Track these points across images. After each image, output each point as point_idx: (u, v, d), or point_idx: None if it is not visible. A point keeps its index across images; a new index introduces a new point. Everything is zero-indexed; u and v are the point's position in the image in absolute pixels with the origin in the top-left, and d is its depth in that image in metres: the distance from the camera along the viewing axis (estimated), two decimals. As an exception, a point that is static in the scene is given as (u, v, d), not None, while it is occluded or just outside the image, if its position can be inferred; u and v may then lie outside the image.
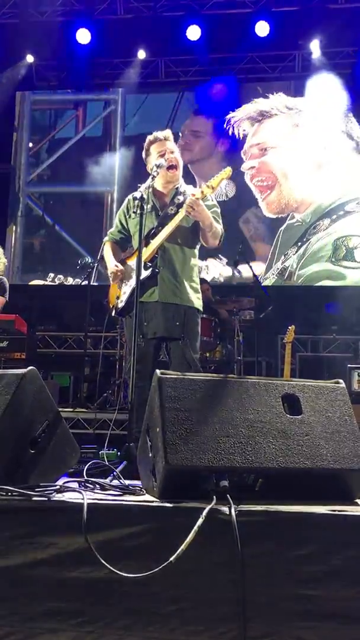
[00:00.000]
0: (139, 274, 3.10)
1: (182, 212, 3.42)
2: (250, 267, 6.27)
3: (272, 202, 7.81)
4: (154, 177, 3.38)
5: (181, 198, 3.58)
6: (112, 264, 3.71)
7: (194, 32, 7.54)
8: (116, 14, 7.68)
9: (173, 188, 3.68)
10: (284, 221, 7.80)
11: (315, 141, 7.81)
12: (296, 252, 7.68)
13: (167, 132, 3.70)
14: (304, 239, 7.68)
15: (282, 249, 7.74)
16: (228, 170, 3.50)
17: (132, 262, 3.64)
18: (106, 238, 3.94)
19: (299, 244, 7.69)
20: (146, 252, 3.45)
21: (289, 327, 5.84)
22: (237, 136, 7.93)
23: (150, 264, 3.46)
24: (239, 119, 7.94)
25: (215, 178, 3.47)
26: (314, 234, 7.65)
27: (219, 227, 3.59)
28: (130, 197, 3.74)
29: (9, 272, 7.82)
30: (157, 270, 3.46)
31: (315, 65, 7.81)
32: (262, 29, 7.41)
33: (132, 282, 3.56)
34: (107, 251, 3.85)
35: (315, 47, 7.70)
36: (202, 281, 5.59)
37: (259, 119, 7.95)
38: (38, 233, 8.53)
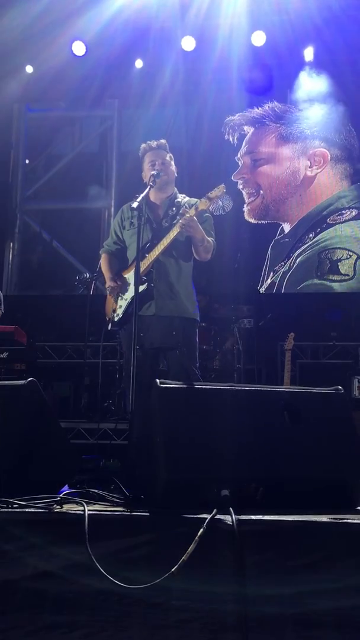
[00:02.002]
0: (137, 285, 3.11)
1: (177, 228, 3.45)
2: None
3: (254, 208, 7.85)
4: (150, 186, 3.41)
5: (175, 210, 3.61)
6: (109, 278, 3.74)
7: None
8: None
9: (166, 199, 3.70)
10: (273, 234, 7.83)
11: (302, 153, 7.87)
12: (283, 267, 7.71)
13: (161, 141, 3.73)
14: (291, 254, 7.71)
15: (271, 266, 7.77)
16: (221, 187, 3.52)
17: (127, 276, 3.67)
18: (102, 249, 3.96)
19: (286, 259, 7.71)
20: (141, 266, 3.48)
21: (289, 335, 5.84)
22: (231, 141, 7.98)
23: (145, 278, 3.48)
24: (235, 124, 8.00)
25: (210, 195, 3.49)
26: (299, 248, 7.68)
27: (211, 241, 3.63)
28: (125, 207, 3.78)
29: (6, 289, 7.84)
30: (152, 284, 3.49)
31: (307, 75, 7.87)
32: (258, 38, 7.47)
33: (128, 296, 3.60)
34: (104, 263, 3.89)
35: (308, 53, 7.75)
36: (201, 292, 5.60)
37: (253, 127, 8.00)
38: (35, 249, 8.53)
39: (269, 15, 7.30)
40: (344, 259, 7.56)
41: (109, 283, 3.73)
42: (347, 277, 7.46)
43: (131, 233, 3.65)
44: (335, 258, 7.57)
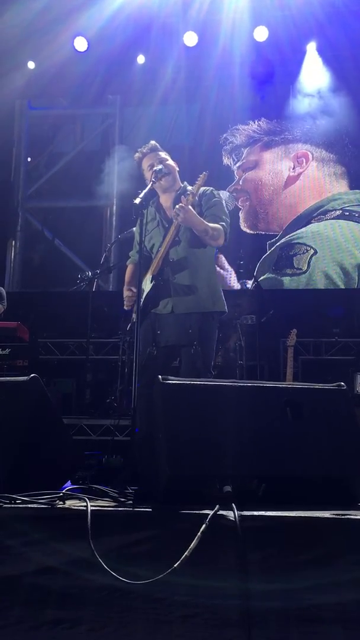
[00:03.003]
0: (139, 285, 3.10)
1: (175, 221, 3.42)
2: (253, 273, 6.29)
3: (245, 214, 7.90)
4: (153, 182, 3.38)
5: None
6: (125, 289, 3.70)
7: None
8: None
9: (175, 196, 3.65)
10: (267, 238, 7.84)
11: (284, 155, 7.90)
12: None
13: (151, 143, 3.69)
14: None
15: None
16: (204, 175, 3.44)
17: (145, 278, 3.60)
18: (128, 260, 3.91)
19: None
20: (152, 265, 3.47)
21: (291, 331, 5.83)
22: (230, 165, 8.02)
23: (159, 277, 3.44)
24: (232, 147, 8.04)
25: (196, 184, 3.46)
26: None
27: (218, 227, 3.48)
28: (139, 212, 3.72)
29: (8, 287, 7.84)
30: (163, 282, 3.44)
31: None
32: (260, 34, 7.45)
33: (143, 295, 3.54)
34: (127, 274, 3.82)
35: (311, 48, 7.76)
36: None
37: (247, 146, 8.03)
38: (37, 247, 8.53)
39: (271, 11, 7.29)
40: (300, 254, 7.58)
41: (125, 294, 3.69)
42: (299, 271, 7.47)
43: (149, 238, 3.62)
44: (292, 252, 7.60)
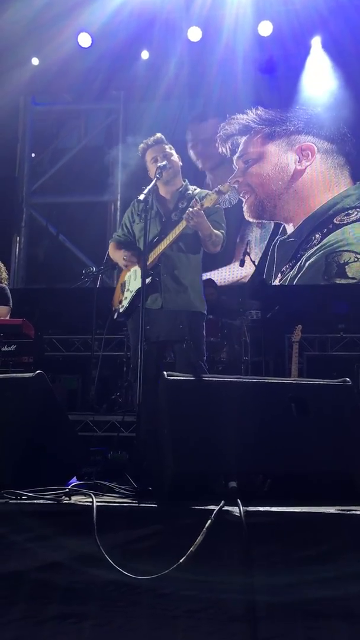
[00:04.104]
0: (144, 277, 3.11)
1: (184, 222, 3.44)
2: (257, 266, 6.27)
3: (250, 206, 7.84)
4: (157, 178, 3.40)
5: (185, 203, 3.59)
6: (120, 256, 3.73)
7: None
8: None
9: (176, 191, 3.68)
10: (276, 230, 7.80)
11: (288, 148, 7.83)
12: (291, 269, 7.66)
13: (157, 135, 3.71)
14: (298, 255, 7.65)
15: (279, 267, 7.73)
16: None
17: (135, 268, 3.67)
18: (111, 239, 3.98)
19: (294, 260, 7.65)
20: (149, 259, 3.48)
21: (296, 327, 5.82)
22: (224, 152, 7.97)
23: (152, 272, 3.48)
24: (226, 134, 7.99)
25: (221, 188, 3.47)
26: (307, 250, 7.61)
27: (219, 234, 3.61)
28: (136, 200, 3.77)
29: (13, 283, 7.85)
30: (157, 278, 3.49)
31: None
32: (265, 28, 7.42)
33: (133, 287, 3.60)
34: (112, 250, 3.90)
35: (315, 43, 7.72)
36: (208, 284, 5.59)
37: (243, 134, 7.98)
38: (42, 243, 8.54)
39: (274, 5, 7.25)
40: (351, 262, 7.48)
41: (123, 254, 3.71)
42: (354, 281, 7.41)
43: (141, 227, 3.64)
44: (343, 261, 7.49)
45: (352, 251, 7.49)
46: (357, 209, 7.57)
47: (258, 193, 7.82)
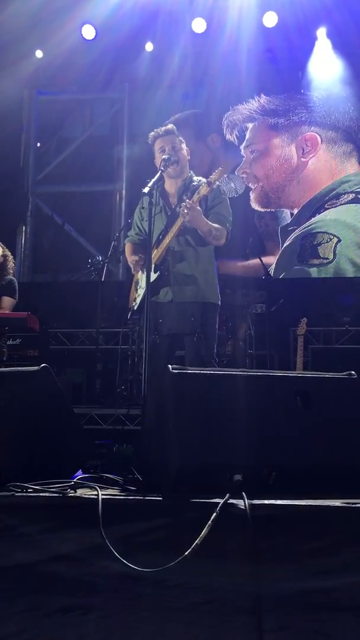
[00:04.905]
0: (148, 272, 3.11)
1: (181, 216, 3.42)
2: (261, 260, 6.25)
3: (256, 196, 7.79)
4: (162, 171, 3.37)
5: (189, 195, 3.56)
6: (130, 258, 3.73)
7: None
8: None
9: (181, 184, 3.65)
10: (282, 220, 7.78)
11: (292, 140, 7.78)
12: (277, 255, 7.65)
13: (169, 126, 3.68)
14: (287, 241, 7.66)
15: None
16: (219, 171, 3.44)
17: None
18: (126, 239, 3.97)
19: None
20: (155, 255, 3.47)
21: (301, 320, 5.80)
22: (233, 140, 7.93)
23: (161, 267, 3.47)
24: (233, 122, 7.94)
25: (210, 179, 3.43)
26: (291, 234, 7.60)
27: (220, 228, 3.54)
28: (142, 195, 3.74)
29: (19, 273, 7.86)
30: (166, 272, 3.47)
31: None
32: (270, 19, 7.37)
33: (144, 284, 3.59)
34: (127, 251, 3.89)
35: (321, 34, 7.66)
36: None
37: (250, 122, 7.93)
38: (47, 233, 8.54)
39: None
40: (324, 243, 7.43)
41: (132, 260, 3.70)
42: (326, 261, 7.35)
43: (149, 223, 3.64)
44: (316, 242, 7.45)
45: (326, 232, 7.44)
46: (350, 194, 7.51)
47: (264, 186, 7.79)
